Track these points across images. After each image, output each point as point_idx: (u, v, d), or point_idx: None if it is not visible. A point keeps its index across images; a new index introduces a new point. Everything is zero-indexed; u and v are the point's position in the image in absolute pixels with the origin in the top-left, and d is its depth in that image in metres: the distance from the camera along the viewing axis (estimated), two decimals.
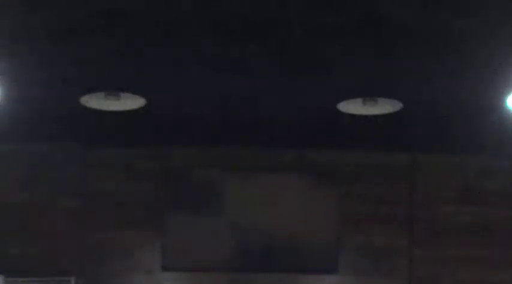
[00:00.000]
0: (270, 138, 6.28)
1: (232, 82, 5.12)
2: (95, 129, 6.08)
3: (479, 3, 3.98)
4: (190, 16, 4.17)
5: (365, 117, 5.60)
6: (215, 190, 6.47)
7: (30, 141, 6.30)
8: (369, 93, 5.31)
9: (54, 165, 6.37)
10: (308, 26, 4.26)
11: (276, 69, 4.90)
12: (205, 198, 6.47)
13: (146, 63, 4.81)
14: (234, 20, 4.20)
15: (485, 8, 4.01)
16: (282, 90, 5.29)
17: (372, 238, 6.49)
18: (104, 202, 6.42)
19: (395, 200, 6.54)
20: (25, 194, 6.32)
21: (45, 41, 4.43)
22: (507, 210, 6.52)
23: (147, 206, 6.44)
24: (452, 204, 6.53)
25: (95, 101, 5.40)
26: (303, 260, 6.45)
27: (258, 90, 5.27)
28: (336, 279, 6.45)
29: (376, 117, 5.60)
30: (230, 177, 6.49)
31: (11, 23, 4.21)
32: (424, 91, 5.24)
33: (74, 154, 6.38)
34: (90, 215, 6.38)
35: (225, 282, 6.42)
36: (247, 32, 4.36)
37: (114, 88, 5.25)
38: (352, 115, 5.60)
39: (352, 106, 5.49)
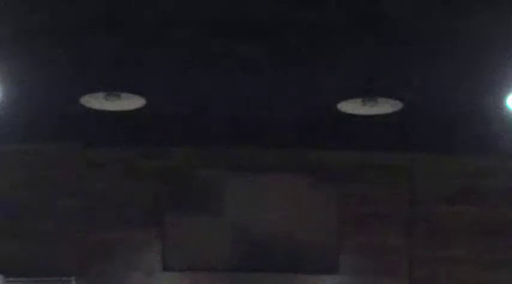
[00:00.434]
0: (270, 138, 6.28)
1: (232, 82, 5.12)
2: (95, 129, 6.08)
3: (479, 3, 3.98)
4: (191, 16, 4.17)
5: (365, 117, 5.61)
6: (215, 190, 6.47)
7: (30, 141, 6.29)
8: (368, 93, 5.31)
9: (54, 165, 6.36)
10: (308, 25, 4.26)
11: (276, 69, 4.90)
12: (205, 198, 6.47)
13: (146, 63, 4.81)
14: (234, 20, 4.20)
15: (485, 8, 4.01)
16: (282, 90, 5.29)
17: (372, 238, 6.48)
18: (104, 202, 6.42)
19: (395, 200, 6.53)
20: (25, 194, 6.32)
21: (45, 41, 4.43)
22: (507, 210, 6.51)
23: (147, 206, 6.43)
24: (452, 204, 6.52)
25: (95, 101, 5.40)
26: (303, 260, 6.45)
27: (258, 90, 5.27)
28: (336, 279, 6.44)
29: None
30: (230, 177, 6.49)
31: (11, 23, 4.21)
32: (424, 91, 5.24)
33: (74, 154, 6.38)
34: (90, 215, 6.37)
35: (225, 282, 6.42)
36: (248, 32, 4.36)
37: (114, 88, 5.25)
38: (352, 115, 5.61)
39: (352, 106, 5.49)
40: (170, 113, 5.74)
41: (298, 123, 5.95)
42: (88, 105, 5.45)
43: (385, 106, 5.47)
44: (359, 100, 5.39)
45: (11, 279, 6.09)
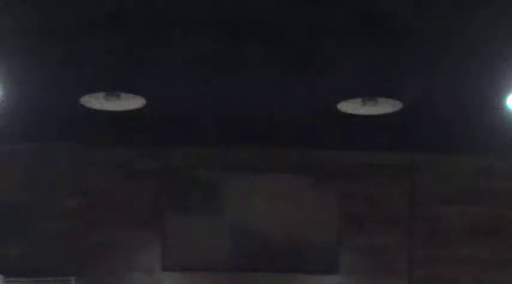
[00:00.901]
0: (270, 138, 6.28)
1: (232, 82, 5.13)
2: (95, 129, 6.08)
3: (479, 3, 3.98)
4: (190, 16, 4.17)
5: (365, 117, 5.61)
6: (215, 190, 6.47)
7: (30, 141, 6.29)
8: (368, 93, 5.31)
9: (54, 165, 6.37)
10: (308, 25, 4.26)
11: (276, 69, 4.90)
12: (205, 198, 6.47)
13: (146, 63, 4.81)
14: (234, 20, 4.21)
15: (485, 8, 4.01)
16: (282, 90, 5.29)
17: (372, 238, 6.48)
18: (104, 202, 6.42)
19: (396, 200, 6.53)
20: (25, 194, 6.33)
21: (46, 41, 4.43)
22: (507, 210, 6.52)
23: (147, 206, 6.43)
24: (452, 204, 6.52)
25: (95, 101, 5.40)
26: (303, 260, 6.45)
27: (258, 90, 5.27)
28: (336, 279, 6.44)
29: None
30: (230, 177, 6.49)
31: (11, 23, 4.21)
32: (424, 91, 5.24)
33: (74, 154, 6.38)
34: (90, 215, 6.37)
35: (225, 282, 6.42)
36: (247, 32, 4.36)
37: (114, 88, 5.25)
38: (352, 115, 5.61)
39: (352, 106, 5.49)
40: (170, 113, 5.74)
41: (298, 123, 5.95)
42: (88, 105, 5.45)
43: (385, 106, 5.47)
44: (359, 100, 5.39)
45: (11, 279, 6.09)
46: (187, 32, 4.35)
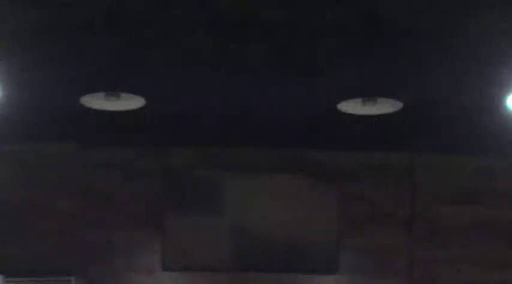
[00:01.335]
0: (270, 138, 6.28)
1: (232, 82, 5.13)
2: (94, 129, 6.08)
3: (479, 3, 3.98)
4: (190, 16, 4.17)
5: (365, 117, 5.61)
6: (215, 190, 6.47)
7: (30, 141, 6.29)
8: (368, 93, 5.31)
9: (54, 165, 6.37)
10: (308, 25, 4.26)
11: (276, 69, 4.90)
12: (205, 198, 6.47)
13: (146, 63, 4.81)
14: (234, 19, 4.21)
15: (485, 8, 4.01)
16: (282, 90, 5.29)
17: (372, 238, 6.49)
18: (104, 202, 6.42)
19: (395, 200, 6.53)
20: (25, 194, 6.33)
21: (45, 40, 4.43)
22: (507, 210, 6.52)
23: (147, 206, 6.44)
24: (452, 204, 6.53)
25: (95, 101, 5.40)
26: (303, 260, 6.45)
27: (257, 90, 5.27)
28: (336, 279, 6.45)
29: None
30: (230, 177, 6.49)
31: (11, 23, 4.21)
32: (424, 91, 5.24)
33: (74, 154, 6.38)
34: (90, 215, 6.38)
35: (225, 282, 6.42)
36: (247, 32, 4.36)
37: (114, 88, 5.25)
38: (352, 115, 5.61)
39: (352, 106, 5.49)
40: (170, 113, 5.74)
41: (298, 123, 5.95)
42: (88, 105, 5.45)
43: (385, 106, 5.47)
44: (359, 100, 5.39)
45: (11, 279, 6.09)
46: (187, 32, 4.35)
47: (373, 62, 4.76)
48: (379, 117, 5.60)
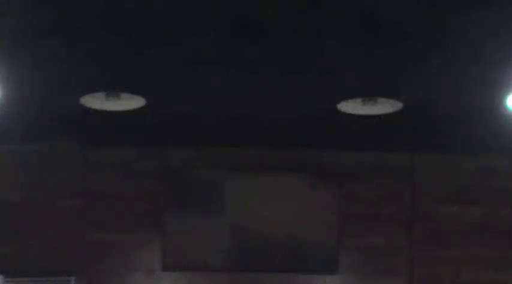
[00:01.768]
0: (270, 138, 6.28)
1: (232, 82, 5.12)
2: (94, 129, 6.08)
3: (479, 2, 3.98)
4: (190, 16, 4.17)
5: (365, 117, 5.60)
6: (215, 190, 6.47)
7: (30, 141, 6.29)
8: (368, 93, 5.31)
9: (54, 165, 6.37)
10: (308, 25, 4.26)
11: (276, 69, 4.90)
12: (205, 198, 6.47)
13: (146, 63, 4.81)
14: (234, 20, 4.21)
15: (485, 8, 4.01)
16: (282, 90, 5.29)
17: (372, 238, 6.48)
18: (104, 202, 6.42)
19: (395, 200, 6.53)
20: (25, 194, 6.33)
21: (45, 41, 4.43)
22: (507, 210, 6.52)
23: (147, 206, 6.43)
24: (452, 204, 6.52)
25: (95, 101, 5.40)
26: (303, 260, 6.45)
27: (257, 90, 5.27)
28: (336, 279, 6.44)
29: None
30: (230, 177, 6.48)
31: (11, 23, 4.21)
32: (424, 91, 5.24)
33: (74, 154, 6.38)
34: (90, 215, 6.38)
35: (225, 282, 6.42)
36: (247, 32, 4.36)
37: (114, 88, 5.25)
38: (352, 115, 5.61)
39: (352, 106, 5.49)
40: (170, 113, 5.74)
41: (298, 123, 5.95)
42: (88, 105, 5.45)
43: (385, 106, 5.47)
44: (359, 100, 5.39)
45: (11, 279, 6.09)
46: (187, 32, 4.35)
47: (373, 62, 4.76)
48: (379, 117, 5.60)
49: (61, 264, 6.20)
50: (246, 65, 4.83)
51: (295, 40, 4.46)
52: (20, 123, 5.87)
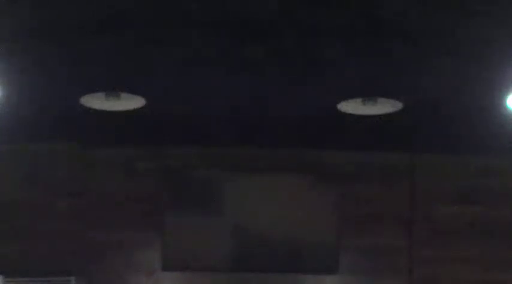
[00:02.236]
0: (270, 138, 6.28)
1: (232, 82, 5.12)
2: (94, 129, 6.08)
3: (479, 3, 3.98)
4: (191, 16, 4.17)
5: (365, 117, 5.61)
6: (215, 190, 6.47)
7: (30, 141, 6.30)
8: (368, 93, 5.31)
9: (54, 165, 6.37)
10: (308, 26, 4.26)
11: (276, 69, 4.90)
12: (205, 198, 6.47)
13: (146, 63, 4.81)
14: (234, 20, 4.21)
15: (485, 8, 4.01)
16: (282, 90, 5.29)
17: (372, 238, 6.48)
18: (104, 202, 6.42)
19: (395, 200, 6.53)
20: (25, 194, 6.33)
21: (45, 41, 4.43)
22: (507, 210, 6.52)
23: (147, 206, 6.43)
24: (452, 204, 6.52)
25: (95, 101, 5.40)
26: (303, 260, 6.45)
27: (257, 90, 5.27)
28: (336, 279, 6.44)
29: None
30: (230, 177, 6.49)
31: (11, 23, 4.21)
32: (424, 91, 5.24)
33: (73, 154, 6.38)
34: (90, 215, 6.38)
35: (225, 282, 6.42)
36: (247, 32, 4.36)
37: (114, 88, 5.25)
38: (352, 115, 5.61)
39: (352, 106, 5.49)
40: (170, 113, 5.74)
41: (298, 123, 5.95)
42: (88, 105, 5.45)
43: (385, 106, 5.47)
44: (359, 100, 5.39)
45: (11, 279, 6.09)
46: (188, 32, 4.35)
47: (373, 62, 4.76)
48: (379, 117, 5.60)
49: (61, 264, 6.20)
50: (246, 65, 4.83)
51: (295, 40, 4.46)
52: (20, 123, 5.87)
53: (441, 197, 6.54)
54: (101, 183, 6.44)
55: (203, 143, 6.39)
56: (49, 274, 6.14)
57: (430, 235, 6.50)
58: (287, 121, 5.88)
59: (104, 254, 6.37)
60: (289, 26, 4.28)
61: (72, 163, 6.39)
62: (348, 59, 4.71)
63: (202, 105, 5.57)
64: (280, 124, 5.96)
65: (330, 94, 5.33)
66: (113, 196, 6.43)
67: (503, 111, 5.39)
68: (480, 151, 6.42)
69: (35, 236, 6.27)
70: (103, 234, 6.37)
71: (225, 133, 6.19)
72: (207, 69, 4.90)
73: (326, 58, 4.71)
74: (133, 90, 5.28)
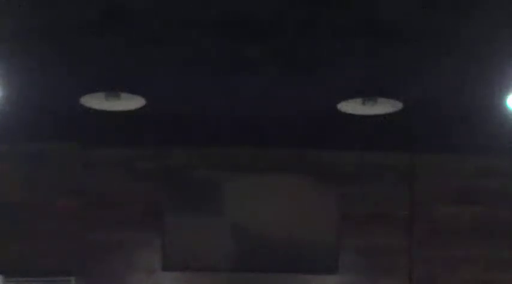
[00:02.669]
0: (270, 138, 6.28)
1: (232, 82, 5.12)
2: (94, 129, 6.08)
3: (479, 3, 3.98)
4: (191, 16, 4.17)
5: (365, 117, 5.60)
6: (215, 190, 6.47)
7: (30, 141, 6.30)
8: (368, 93, 5.31)
9: (54, 165, 6.37)
10: (308, 25, 4.26)
11: (276, 69, 4.90)
12: (205, 198, 6.47)
13: (146, 63, 4.81)
14: (234, 20, 4.20)
15: (485, 8, 4.01)
16: (282, 90, 5.29)
17: (372, 238, 6.49)
18: (104, 202, 6.42)
19: (395, 200, 6.53)
20: (25, 194, 6.33)
21: (46, 41, 4.43)
22: (507, 210, 6.52)
23: (147, 206, 6.44)
24: (452, 204, 6.53)
25: (95, 101, 5.40)
26: (303, 260, 6.45)
27: (257, 90, 5.27)
28: (336, 279, 6.45)
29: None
30: (230, 177, 6.49)
31: (11, 23, 4.21)
32: (424, 91, 5.24)
33: (74, 154, 6.38)
34: (90, 215, 6.38)
35: (225, 282, 6.42)
36: (247, 32, 4.36)
37: (114, 88, 5.25)
38: (352, 115, 5.61)
39: (352, 106, 5.49)
40: (170, 113, 5.74)
41: (298, 123, 5.95)
42: (88, 105, 5.45)
43: (385, 106, 5.47)
44: (359, 100, 5.39)
45: (11, 279, 6.09)
46: (187, 32, 4.35)
47: (373, 62, 4.76)
48: (379, 117, 5.60)
49: (61, 264, 6.20)
50: (246, 65, 4.82)
51: (296, 40, 4.46)
52: (20, 123, 5.87)
53: (441, 197, 6.54)
54: (101, 183, 6.44)
55: (203, 143, 6.39)
56: (49, 274, 6.14)
57: (430, 235, 6.50)
58: (287, 121, 5.88)
59: (104, 254, 6.37)
60: (288, 26, 4.28)
61: (72, 163, 6.39)
62: (348, 59, 4.71)
63: (202, 105, 5.57)
64: (280, 124, 5.96)
65: (330, 94, 5.33)
66: (113, 196, 6.44)
67: (503, 111, 5.39)
68: (480, 151, 6.43)
69: (35, 236, 6.27)
70: (103, 234, 6.37)
71: (225, 133, 6.19)
72: (207, 69, 4.90)
73: (326, 58, 4.71)
74: (133, 90, 5.28)
